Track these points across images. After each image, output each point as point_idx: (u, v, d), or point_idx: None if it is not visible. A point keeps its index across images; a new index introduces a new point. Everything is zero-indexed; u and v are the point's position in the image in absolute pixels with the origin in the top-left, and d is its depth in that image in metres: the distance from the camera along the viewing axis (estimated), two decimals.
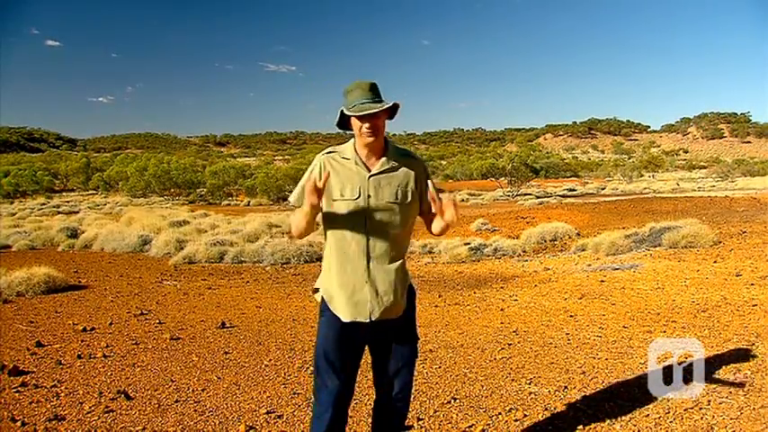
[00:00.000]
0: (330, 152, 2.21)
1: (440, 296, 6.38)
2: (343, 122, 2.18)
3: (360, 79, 2.18)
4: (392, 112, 2.17)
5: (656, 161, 64.15)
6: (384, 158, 2.18)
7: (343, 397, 2.21)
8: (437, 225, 2.19)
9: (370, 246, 2.13)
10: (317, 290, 2.26)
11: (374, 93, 2.13)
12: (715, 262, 6.99)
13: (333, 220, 2.16)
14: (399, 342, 2.24)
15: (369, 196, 2.13)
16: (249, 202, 33.78)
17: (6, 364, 4.00)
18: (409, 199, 2.18)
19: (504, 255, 9.73)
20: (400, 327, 2.22)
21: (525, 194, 32.93)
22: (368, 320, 2.13)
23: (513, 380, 3.54)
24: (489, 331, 4.72)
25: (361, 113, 2.07)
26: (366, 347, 2.27)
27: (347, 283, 2.14)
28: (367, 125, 2.09)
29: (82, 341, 4.74)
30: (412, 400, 3.27)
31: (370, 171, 2.15)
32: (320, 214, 2.20)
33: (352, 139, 2.20)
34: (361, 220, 2.12)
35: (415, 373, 3.69)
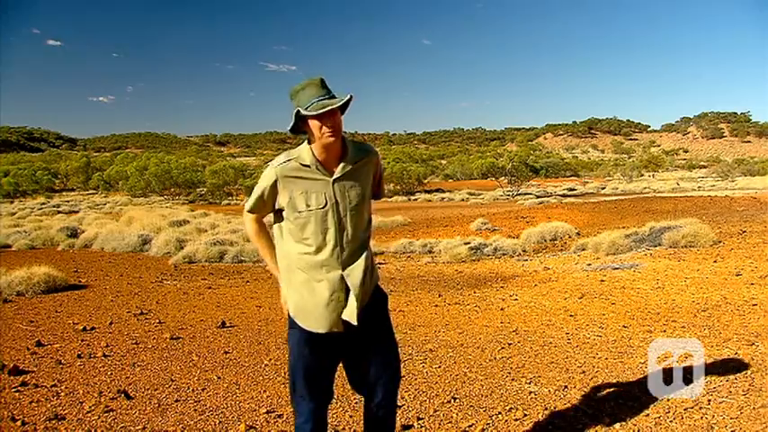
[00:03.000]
0: (287, 161, 2.05)
1: (440, 296, 6.37)
2: (297, 126, 2.04)
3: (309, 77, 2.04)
4: (345, 106, 2.05)
5: (656, 160, 64.18)
6: (345, 160, 2.05)
7: (322, 406, 2.17)
8: None
9: (342, 253, 2.04)
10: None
11: (327, 89, 2.00)
12: (715, 261, 6.98)
13: (299, 233, 2.04)
14: (378, 349, 2.15)
15: (336, 203, 2.03)
16: None
17: (6, 363, 4.01)
18: (370, 193, 2.14)
19: (504, 254, 9.73)
20: (376, 333, 2.14)
21: (525, 194, 32.93)
22: (348, 328, 2.06)
23: (513, 379, 3.54)
24: (489, 331, 4.72)
25: (321, 111, 1.92)
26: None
27: (322, 295, 2.03)
28: (329, 124, 1.95)
29: (82, 341, 4.74)
30: (412, 399, 3.28)
31: (332, 175, 2.03)
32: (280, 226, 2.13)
33: (305, 143, 2.07)
34: (330, 229, 2.02)
35: (416, 373, 3.71)
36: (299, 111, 1.97)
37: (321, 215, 2.02)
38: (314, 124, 1.97)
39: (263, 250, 2.22)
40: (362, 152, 2.12)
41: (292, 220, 2.05)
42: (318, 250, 2.04)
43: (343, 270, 2.05)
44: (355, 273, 2.06)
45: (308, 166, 2.04)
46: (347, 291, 2.05)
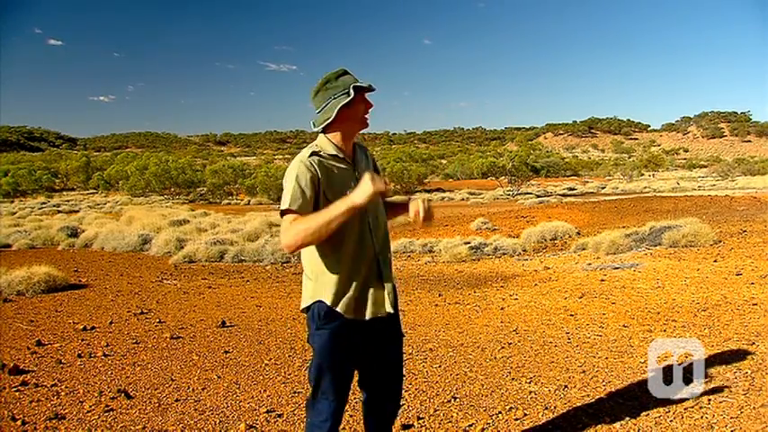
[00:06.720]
0: (316, 152, 2.03)
1: (440, 295, 6.38)
2: (336, 115, 2.01)
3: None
4: None
5: (656, 160, 64.13)
6: (356, 151, 2.16)
7: (343, 406, 2.17)
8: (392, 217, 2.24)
9: (374, 241, 2.09)
10: (306, 309, 2.08)
11: None
12: (715, 261, 6.98)
13: None
14: (391, 341, 2.22)
15: None
16: (249, 201, 33.81)
17: (7, 363, 4.01)
18: None
19: (504, 254, 9.73)
20: (391, 325, 2.19)
21: (525, 193, 32.93)
22: (386, 315, 2.11)
23: (513, 379, 3.54)
24: (489, 330, 4.72)
25: (371, 88, 2.02)
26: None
27: (361, 282, 2.05)
28: (370, 105, 2.06)
29: (82, 340, 4.74)
30: (412, 398, 3.28)
31: (354, 164, 2.13)
32: None
33: (321, 137, 2.07)
34: (362, 217, 2.06)
35: (416, 372, 3.71)
36: (357, 86, 1.99)
37: None
38: (357, 109, 2.03)
39: (315, 217, 1.93)
40: (363, 147, 2.25)
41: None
42: (353, 240, 2.05)
43: (379, 257, 2.11)
44: (388, 259, 2.16)
45: (336, 156, 2.08)
46: (380, 277, 2.11)
